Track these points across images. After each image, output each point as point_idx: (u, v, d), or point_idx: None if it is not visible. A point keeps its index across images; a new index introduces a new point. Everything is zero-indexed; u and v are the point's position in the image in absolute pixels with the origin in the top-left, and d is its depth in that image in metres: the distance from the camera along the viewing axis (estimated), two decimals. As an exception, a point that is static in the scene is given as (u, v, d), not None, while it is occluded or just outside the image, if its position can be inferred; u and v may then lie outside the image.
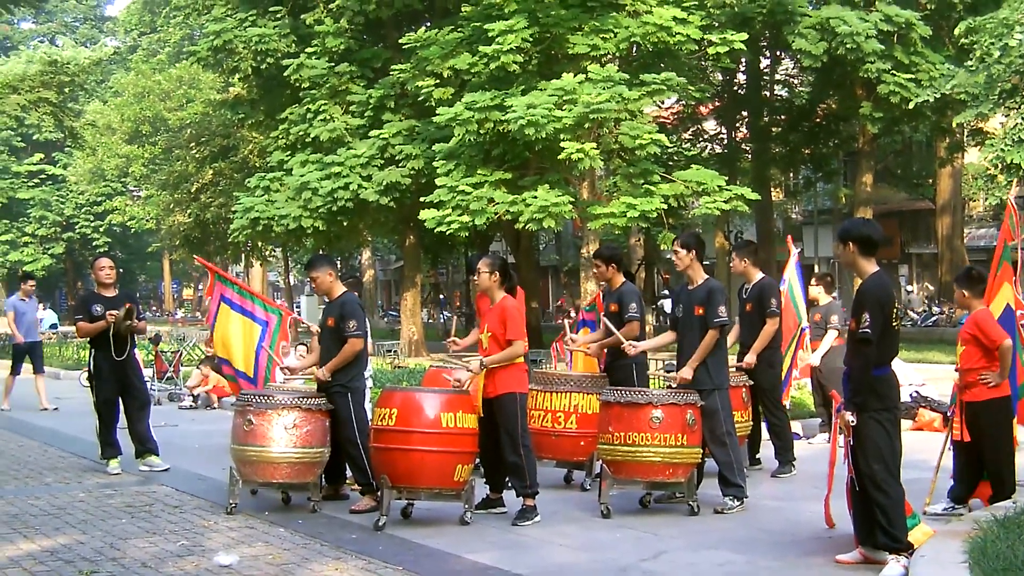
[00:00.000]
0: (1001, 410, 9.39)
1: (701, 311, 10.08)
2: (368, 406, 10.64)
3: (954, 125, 28.29)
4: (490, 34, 24.31)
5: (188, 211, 47.05)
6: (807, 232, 46.08)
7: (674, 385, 10.20)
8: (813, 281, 14.39)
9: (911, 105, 26.48)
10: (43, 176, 69.72)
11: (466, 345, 10.50)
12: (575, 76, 23.67)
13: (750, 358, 11.82)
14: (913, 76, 26.91)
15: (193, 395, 20.13)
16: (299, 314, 35.91)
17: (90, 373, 12.76)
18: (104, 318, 12.21)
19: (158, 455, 12.64)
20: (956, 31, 25.87)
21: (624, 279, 11.47)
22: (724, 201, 24.19)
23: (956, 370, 9.67)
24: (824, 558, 8.12)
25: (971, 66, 24.73)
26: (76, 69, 33.11)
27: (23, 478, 12.12)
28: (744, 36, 25.56)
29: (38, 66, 32.24)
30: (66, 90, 33.89)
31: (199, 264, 63.08)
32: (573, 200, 24.37)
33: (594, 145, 23.20)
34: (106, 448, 12.54)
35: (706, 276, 10.35)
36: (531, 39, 24.44)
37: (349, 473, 10.58)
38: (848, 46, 26.23)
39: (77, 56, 33.89)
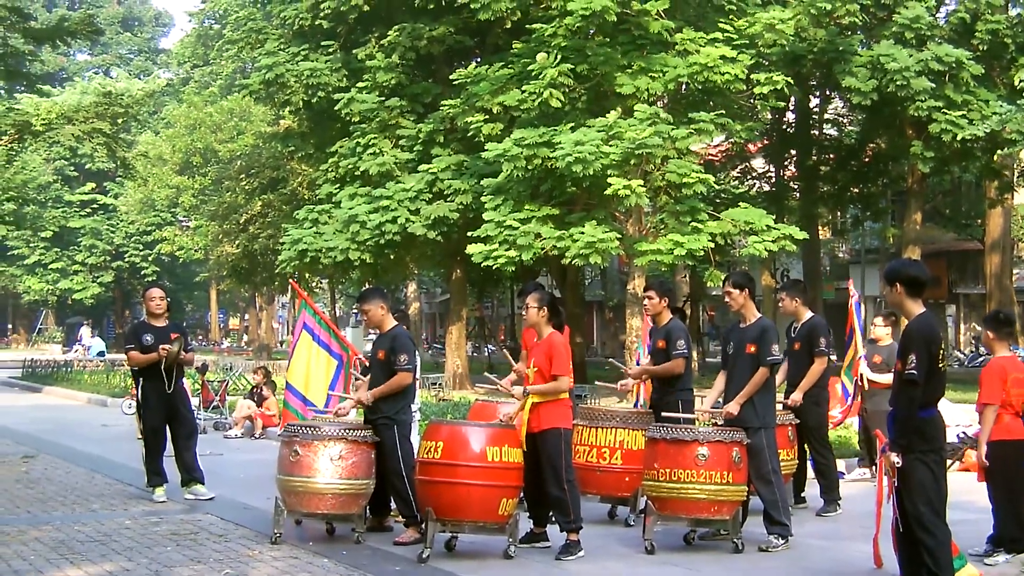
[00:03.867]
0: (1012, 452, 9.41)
1: (753, 349, 10.09)
2: (415, 438, 10.68)
3: (1009, 153, 28.02)
4: (531, 70, 24.42)
5: (236, 242, 47.37)
6: (854, 271, 45.83)
7: (720, 421, 10.20)
8: (880, 321, 14.29)
9: (963, 136, 26.31)
10: (94, 205, 70.36)
11: (511, 382, 10.53)
12: (619, 113, 23.71)
13: (796, 396, 11.81)
14: (964, 114, 26.79)
15: (238, 426, 20.16)
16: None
17: (138, 402, 12.90)
18: (154, 349, 12.38)
19: (204, 484, 12.74)
20: (1011, 73, 25.75)
21: (672, 315, 11.48)
22: (772, 241, 24.10)
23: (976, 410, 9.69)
24: (869, 599, 8.08)
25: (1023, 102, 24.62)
26: (129, 100, 33.41)
27: (70, 504, 12.23)
28: (786, 78, 25.49)
29: (92, 97, 32.56)
30: (119, 121, 34.16)
31: (246, 294, 63.77)
32: (620, 236, 24.37)
33: (640, 182, 23.21)
34: (152, 476, 12.63)
35: (759, 315, 10.38)
36: (575, 75, 24.48)
37: (394, 505, 10.62)
38: (898, 83, 26.15)
39: (131, 88, 34.20)
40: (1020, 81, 25.22)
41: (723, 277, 10.81)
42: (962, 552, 7.83)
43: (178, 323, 14.41)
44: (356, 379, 11.69)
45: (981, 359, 38.59)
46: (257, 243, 45.72)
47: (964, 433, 15.24)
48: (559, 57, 24.16)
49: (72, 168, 69.67)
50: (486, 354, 52.51)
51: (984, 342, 10.05)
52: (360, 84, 29.05)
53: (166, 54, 78.76)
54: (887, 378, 13.78)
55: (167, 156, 54.99)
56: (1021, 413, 9.42)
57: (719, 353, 11.64)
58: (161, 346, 12.41)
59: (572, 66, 24.31)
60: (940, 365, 7.62)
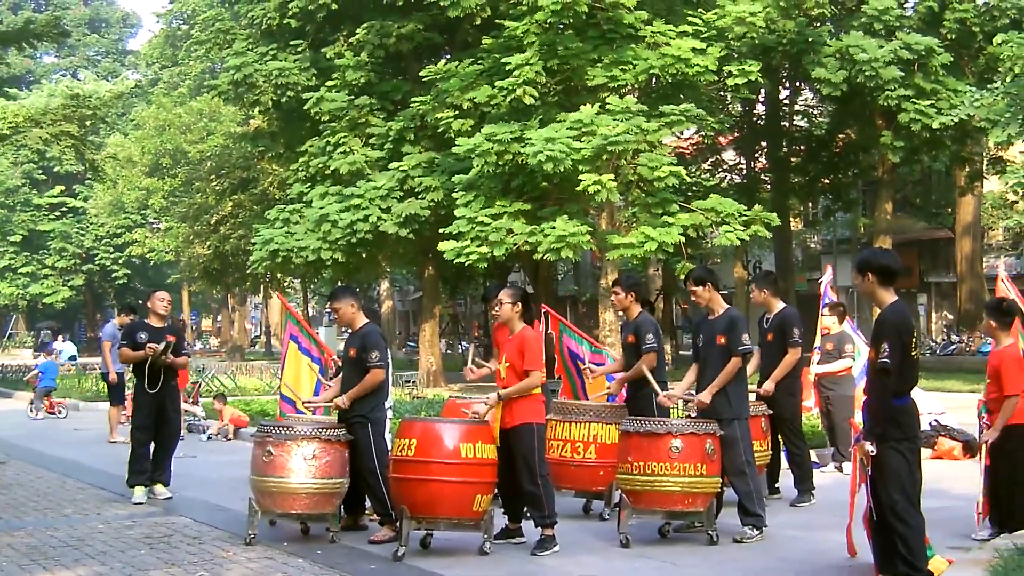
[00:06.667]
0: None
1: (723, 340, 10.11)
2: (388, 436, 10.64)
3: (990, 143, 28.18)
4: (507, 68, 24.40)
5: (208, 243, 47.25)
6: (826, 261, 46.01)
7: (693, 409, 10.21)
8: (826, 310, 14.43)
9: (935, 124, 26.43)
10: (64, 208, 70.05)
11: (482, 375, 10.51)
12: (593, 107, 23.73)
13: (768, 386, 11.85)
14: (933, 103, 26.90)
15: (212, 432, 20.04)
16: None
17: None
18: (145, 347, 12.38)
19: (167, 486, 12.79)
20: (979, 61, 25.87)
21: (641, 309, 11.46)
22: (743, 228, 24.16)
23: (982, 401, 9.68)
24: (844, 588, 8.09)
25: (995, 88, 24.76)
26: (98, 103, 33.19)
27: (42, 509, 12.13)
28: (759, 66, 25.60)
29: (60, 100, 32.34)
30: (87, 123, 33.92)
31: (219, 295, 63.57)
32: (591, 231, 24.38)
33: (612, 177, 23.20)
34: (133, 475, 12.60)
35: (726, 306, 10.39)
36: (547, 71, 24.50)
37: (368, 503, 10.59)
38: (867, 73, 26.26)
39: (99, 90, 33.97)
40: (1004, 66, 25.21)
41: (683, 277, 10.79)
42: (930, 543, 7.81)
43: (176, 326, 14.41)
44: (326, 382, 11.69)
45: (953, 347, 38.80)
46: (228, 244, 45.60)
47: (937, 421, 15.32)
48: (537, 54, 24.16)
49: (40, 171, 69.26)
50: (460, 351, 52.45)
51: (986, 331, 10.08)
52: (329, 83, 29.00)
53: (134, 55, 78.33)
54: (837, 366, 13.89)
55: (136, 158, 54.72)
56: None
57: (692, 346, 11.63)
58: (148, 344, 12.43)
59: (543, 62, 24.31)
60: (913, 353, 7.62)
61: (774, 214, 25.29)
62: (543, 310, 12.91)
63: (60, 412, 24.73)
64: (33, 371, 27.60)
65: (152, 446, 12.72)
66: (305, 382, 11.95)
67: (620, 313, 11.93)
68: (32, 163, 67.26)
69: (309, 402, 11.44)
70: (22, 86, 58.62)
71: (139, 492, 12.47)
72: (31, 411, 24.73)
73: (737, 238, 24.24)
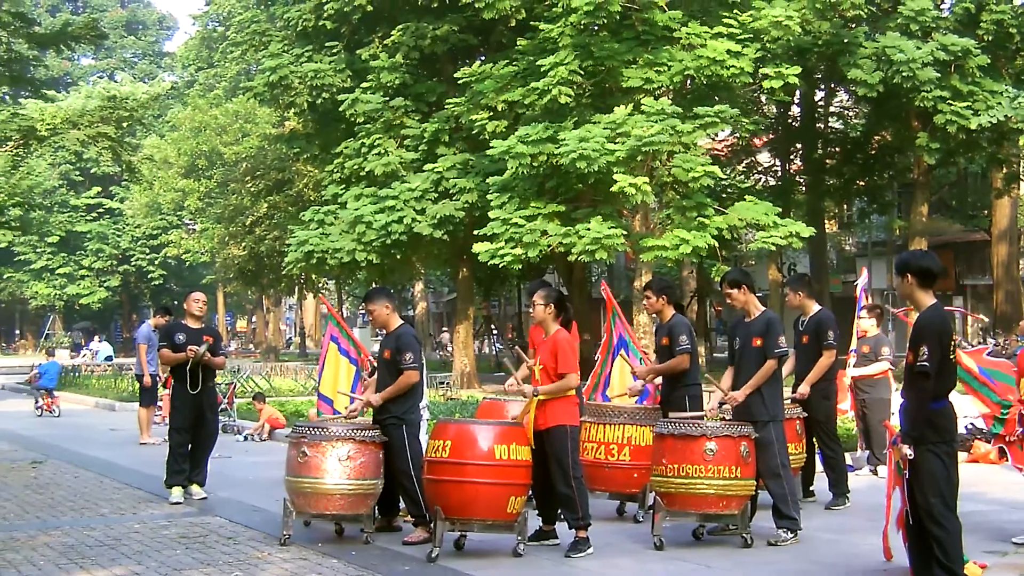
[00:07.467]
0: None
1: (759, 342, 10.07)
2: (424, 437, 10.65)
3: (1022, 144, 28.00)
4: (542, 68, 24.39)
5: (243, 244, 47.44)
6: (861, 264, 45.75)
7: (727, 407, 10.17)
8: (865, 313, 14.35)
9: (972, 126, 26.28)
10: (100, 210, 70.49)
11: (521, 379, 10.53)
12: (628, 109, 23.68)
13: (803, 388, 11.79)
14: (970, 104, 26.73)
15: (250, 432, 20.09)
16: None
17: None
18: (184, 349, 12.50)
19: (203, 486, 12.88)
20: (1016, 63, 25.67)
21: (674, 312, 11.42)
22: (779, 237, 24.07)
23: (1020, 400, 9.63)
24: (880, 592, 8.05)
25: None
26: (134, 104, 33.36)
27: (79, 509, 12.21)
28: (798, 70, 25.49)
29: (97, 101, 32.51)
30: (124, 125, 34.09)
31: (253, 297, 63.79)
32: (626, 232, 24.33)
33: (646, 179, 23.15)
34: (171, 476, 12.66)
35: (763, 308, 10.36)
36: (582, 72, 24.48)
37: (402, 505, 10.60)
38: (904, 74, 26.09)
39: (135, 91, 34.15)
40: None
41: (719, 279, 10.76)
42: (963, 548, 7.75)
43: (213, 327, 14.54)
44: (364, 380, 11.73)
45: (989, 350, 38.47)
46: (263, 245, 45.79)
47: (972, 424, 15.22)
48: (571, 55, 24.14)
49: (77, 172, 69.77)
50: (493, 352, 52.44)
51: (1022, 331, 10.08)
52: (364, 84, 29.07)
53: (170, 57, 78.78)
54: (874, 369, 13.84)
55: (172, 159, 55.01)
56: None
57: (726, 348, 11.58)
58: (189, 347, 12.52)
59: (579, 63, 24.29)
60: (951, 357, 7.58)
61: (810, 229, 25.17)
62: (602, 287, 12.96)
63: (55, 411, 25.17)
64: (33, 371, 28.03)
65: (189, 447, 12.79)
66: (343, 383, 12.05)
67: (654, 315, 11.88)
68: (69, 164, 67.73)
69: (344, 393, 11.54)
70: (60, 88, 58.91)
71: (176, 492, 12.54)
72: (36, 408, 25.71)
73: (773, 244, 24.17)
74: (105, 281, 70.81)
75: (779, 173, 38.38)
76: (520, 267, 25.71)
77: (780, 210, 25.39)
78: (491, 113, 26.13)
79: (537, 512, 10.06)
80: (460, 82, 26.96)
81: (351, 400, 11.26)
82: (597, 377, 12.83)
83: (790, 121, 37.06)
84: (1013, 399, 9.61)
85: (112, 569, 9.04)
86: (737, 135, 30.35)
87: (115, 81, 50.66)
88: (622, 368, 12.63)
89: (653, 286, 11.55)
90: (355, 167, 29.18)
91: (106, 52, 77.13)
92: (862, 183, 36.62)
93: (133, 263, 70.19)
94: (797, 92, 31.85)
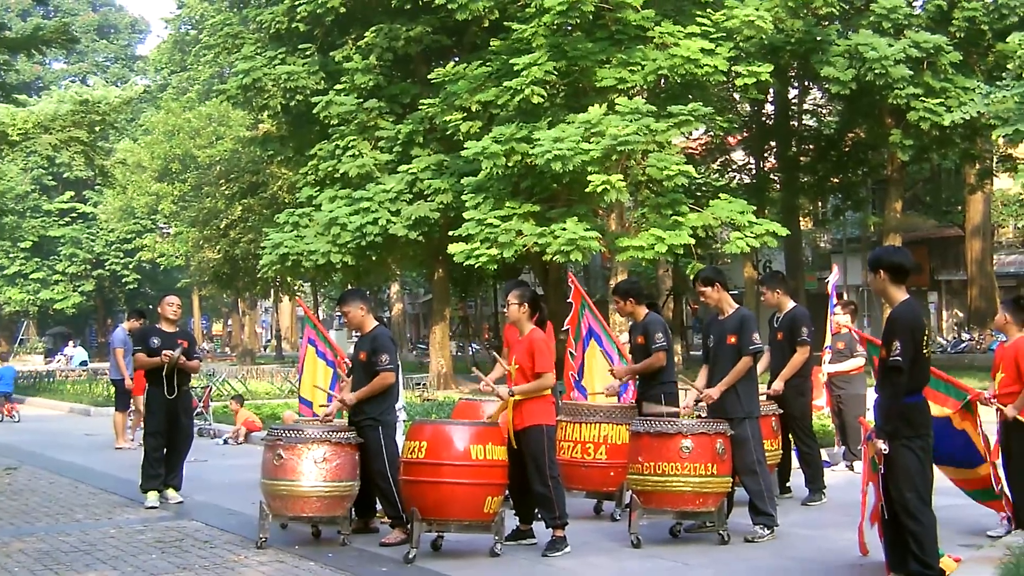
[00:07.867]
0: None
1: (734, 339, 10.10)
2: (400, 438, 10.63)
3: (994, 138, 28.17)
4: (516, 69, 24.41)
5: (217, 247, 47.28)
6: (835, 260, 45.90)
7: (702, 404, 10.19)
8: (839, 309, 14.41)
9: (945, 122, 26.42)
10: (74, 214, 70.01)
11: (495, 379, 10.50)
12: (602, 108, 23.71)
13: (777, 385, 11.83)
14: (942, 101, 26.86)
15: (229, 436, 20.03)
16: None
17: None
18: (159, 353, 12.45)
19: (178, 490, 12.83)
20: (988, 59, 25.83)
21: (648, 310, 11.42)
22: (754, 236, 24.15)
23: (992, 396, 9.65)
24: (856, 587, 8.07)
25: (1005, 83, 24.75)
26: (107, 108, 33.17)
27: (54, 515, 12.14)
28: (770, 68, 25.62)
29: (69, 106, 32.32)
30: (97, 129, 33.90)
31: (229, 300, 63.60)
32: (601, 232, 24.36)
33: (621, 177, 23.19)
34: (147, 480, 12.60)
35: (736, 305, 10.38)
36: (556, 72, 24.52)
37: (379, 506, 10.58)
38: (877, 71, 26.22)
39: (108, 95, 33.95)
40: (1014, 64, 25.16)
41: (692, 277, 10.79)
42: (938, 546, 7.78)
43: (187, 331, 14.45)
44: (341, 381, 11.71)
45: (963, 345, 38.71)
46: (238, 248, 45.64)
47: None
48: (545, 55, 24.17)
49: (50, 177, 69.31)
50: (470, 353, 52.44)
51: (998, 325, 10.07)
52: (338, 86, 29.05)
53: (143, 61, 78.40)
54: (849, 365, 13.90)
55: (146, 163, 54.74)
56: None
57: (702, 347, 11.62)
58: (163, 352, 12.45)
59: (552, 63, 24.32)
60: (924, 351, 7.61)
61: (784, 228, 25.28)
62: (569, 279, 12.97)
63: (14, 416, 24.94)
64: None
65: (165, 451, 12.74)
66: (321, 384, 12.01)
67: (626, 317, 11.89)
68: (42, 169, 67.26)
69: (320, 388, 11.55)
70: (32, 92, 58.51)
71: (152, 497, 12.48)
72: None
73: (747, 244, 24.26)
74: (79, 286, 70.38)
75: (753, 171, 38.49)
76: (496, 267, 25.72)
77: (755, 208, 25.47)
78: (465, 114, 26.15)
79: (514, 512, 10.06)
80: (434, 83, 26.98)
81: (328, 398, 11.25)
82: (570, 373, 12.83)
83: (764, 119, 37.17)
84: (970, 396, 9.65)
85: (87, 574, 8.99)
86: (711, 133, 30.47)
87: (87, 85, 50.53)
88: (596, 361, 12.63)
89: (619, 291, 11.54)
90: (329, 169, 29.15)
91: (78, 56, 76.66)
92: (836, 180, 36.77)
93: (107, 267, 69.79)
94: (771, 90, 31.95)
